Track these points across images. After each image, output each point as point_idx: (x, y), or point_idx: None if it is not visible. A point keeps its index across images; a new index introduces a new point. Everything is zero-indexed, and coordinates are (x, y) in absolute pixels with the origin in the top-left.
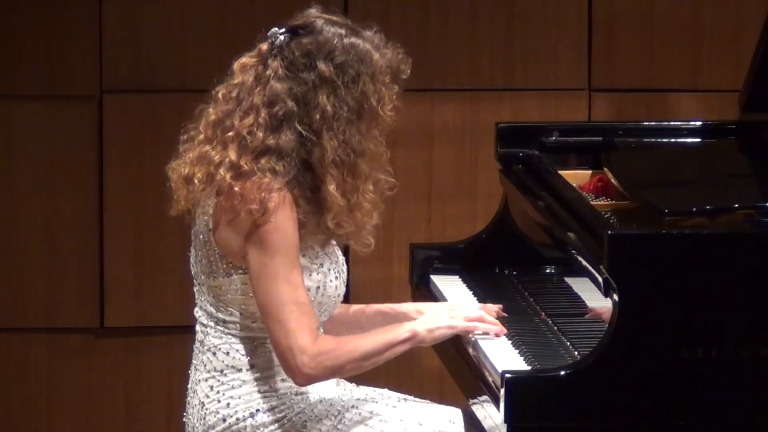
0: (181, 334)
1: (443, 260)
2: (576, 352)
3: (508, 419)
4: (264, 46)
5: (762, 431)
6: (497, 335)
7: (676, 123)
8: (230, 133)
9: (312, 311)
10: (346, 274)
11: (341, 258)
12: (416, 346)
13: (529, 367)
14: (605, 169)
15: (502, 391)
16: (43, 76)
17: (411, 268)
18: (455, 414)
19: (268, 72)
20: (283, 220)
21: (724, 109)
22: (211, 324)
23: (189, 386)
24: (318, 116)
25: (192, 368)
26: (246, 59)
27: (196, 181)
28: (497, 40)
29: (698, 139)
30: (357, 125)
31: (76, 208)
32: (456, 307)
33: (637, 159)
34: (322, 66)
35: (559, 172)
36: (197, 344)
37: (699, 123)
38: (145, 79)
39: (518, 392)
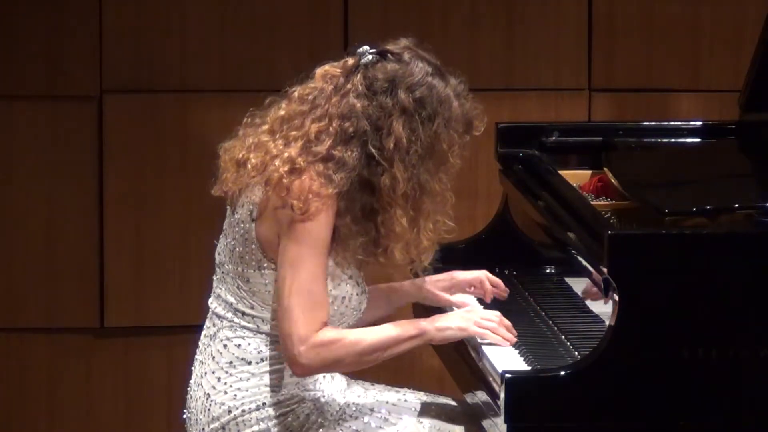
0: (181, 334)
1: (443, 260)
2: (576, 352)
3: (508, 419)
4: (350, 61)
5: (762, 431)
6: (510, 343)
7: (676, 123)
8: (295, 132)
9: (325, 304)
10: (366, 289)
11: (362, 273)
12: (425, 343)
13: (529, 367)
14: (605, 169)
15: (502, 391)
16: (43, 76)
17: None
18: (455, 411)
19: (349, 86)
20: (320, 221)
21: (724, 109)
22: (228, 316)
23: (192, 381)
24: (392, 144)
25: (196, 363)
26: (330, 68)
27: (249, 166)
28: (497, 40)
29: (698, 139)
30: (427, 163)
31: (76, 208)
32: (472, 310)
33: (637, 159)
34: (402, 95)
35: (559, 172)
36: (205, 339)
37: (699, 123)
38: (145, 79)
39: (518, 392)
